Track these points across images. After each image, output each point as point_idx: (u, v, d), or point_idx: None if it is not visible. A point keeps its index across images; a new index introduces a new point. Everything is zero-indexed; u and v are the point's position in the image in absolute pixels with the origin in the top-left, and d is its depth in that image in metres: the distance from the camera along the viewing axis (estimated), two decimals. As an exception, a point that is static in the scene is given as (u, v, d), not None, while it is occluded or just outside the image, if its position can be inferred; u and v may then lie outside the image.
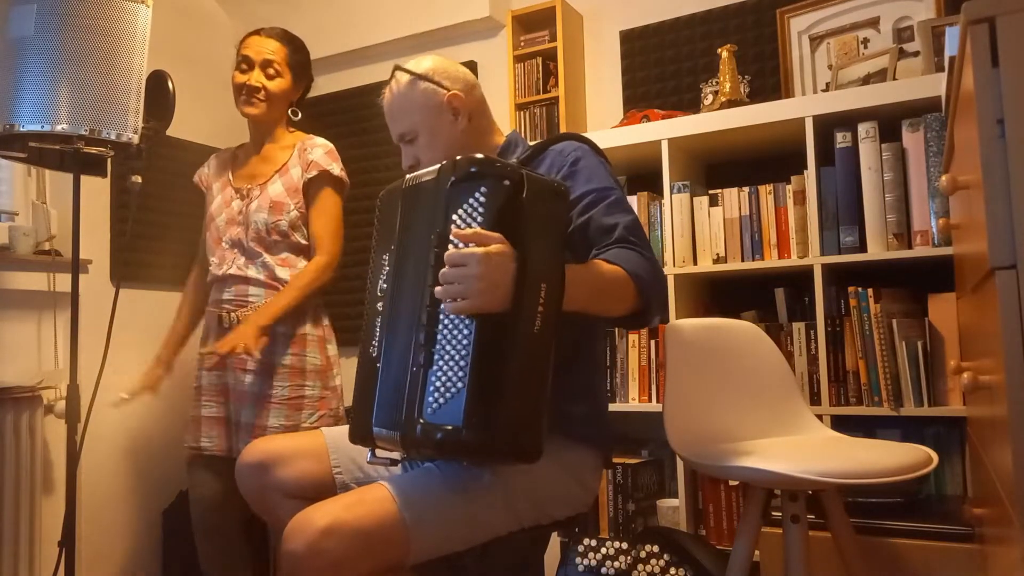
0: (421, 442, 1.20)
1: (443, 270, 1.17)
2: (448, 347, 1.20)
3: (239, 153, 2.38)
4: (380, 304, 1.39)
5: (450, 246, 1.20)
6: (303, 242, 2.25)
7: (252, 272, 2.21)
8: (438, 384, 1.19)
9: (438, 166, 1.31)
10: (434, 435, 1.18)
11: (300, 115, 2.34)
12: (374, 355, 1.37)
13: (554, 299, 1.22)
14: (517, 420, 1.19)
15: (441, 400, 1.18)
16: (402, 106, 1.60)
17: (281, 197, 2.21)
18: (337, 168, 2.25)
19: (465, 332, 1.19)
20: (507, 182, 1.21)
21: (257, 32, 2.28)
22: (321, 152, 2.25)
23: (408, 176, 1.41)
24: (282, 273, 2.21)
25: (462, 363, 1.18)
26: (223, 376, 2.23)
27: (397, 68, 1.61)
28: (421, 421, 1.19)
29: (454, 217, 1.23)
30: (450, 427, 1.16)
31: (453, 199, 1.24)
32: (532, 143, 1.60)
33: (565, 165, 1.46)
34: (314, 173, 2.22)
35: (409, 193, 1.39)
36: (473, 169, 1.23)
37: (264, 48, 2.24)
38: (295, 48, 2.30)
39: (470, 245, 1.18)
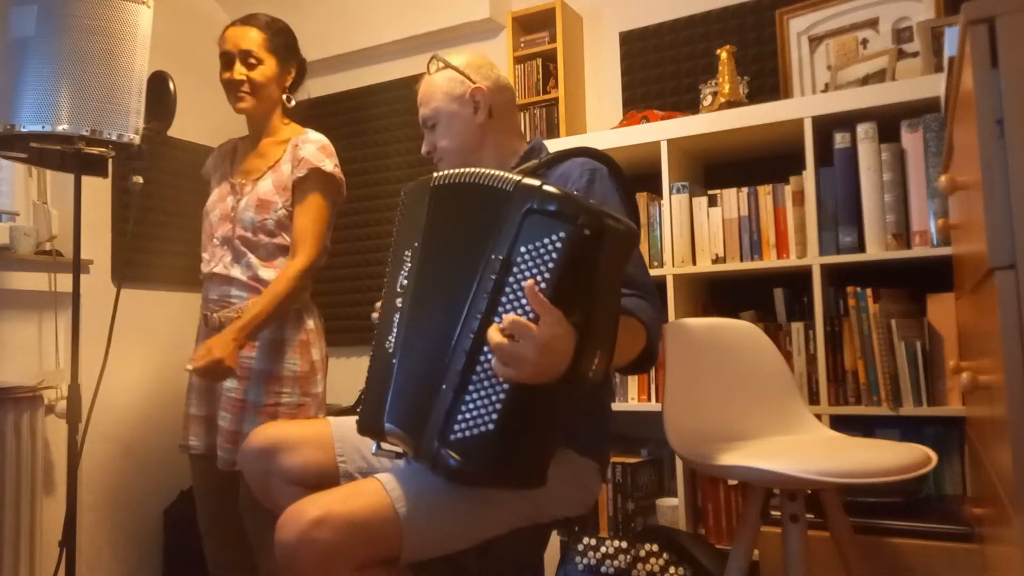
0: (434, 461, 1.20)
1: (500, 341, 1.11)
2: (486, 382, 1.16)
3: (240, 145, 2.31)
4: (399, 300, 1.37)
5: (506, 287, 1.15)
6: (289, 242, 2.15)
7: (236, 272, 2.13)
8: (467, 416, 1.17)
9: (514, 178, 1.21)
10: (448, 460, 1.18)
11: (294, 102, 2.24)
12: (390, 351, 1.36)
13: (603, 366, 1.20)
14: (532, 460, 1.20)
15: (467, 432, 1.17)
16: (429, 91, 1.65)
17: (269, 195, 2.12)
18: (330, 164, 2.13)
19: None
20: (588, 231, 1.11)
21: (233, 23, 2.19)
22: (313, 148, 2.13)
23: (436, 174, 1.37)
24: (265, 274, 2.12)
25: (497, 405, 1.15)
26: None
27: (435, 56, 1.67)
28: (442, 446, 1.19)
29: (522, 249, 1.15)
30: (466, 460, 1.17)
31: (526, 229, 1.15)
32: (552, 152, 1.58)
33: (583, 179, 1.45)
34: (303, 172, 2.10)
35: (445, 192, 1.35)
36: (553, 207, 1.13)
37: (240, 39, 2.14)
38: (274, 32, 2.19)
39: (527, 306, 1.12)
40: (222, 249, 2.17)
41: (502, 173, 1.24)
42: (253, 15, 2.20)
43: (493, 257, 1.18)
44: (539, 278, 1.13)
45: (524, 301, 1.13)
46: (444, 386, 1.21)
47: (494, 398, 1.16)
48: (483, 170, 1.28)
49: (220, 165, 2.30)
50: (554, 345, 1.10)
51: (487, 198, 1.24)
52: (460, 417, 1.18)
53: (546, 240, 1.13)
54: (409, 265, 1.37)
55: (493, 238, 1.19)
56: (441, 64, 1.65)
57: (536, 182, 1.18)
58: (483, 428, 1.15)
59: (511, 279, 1.15)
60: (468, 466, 1.16)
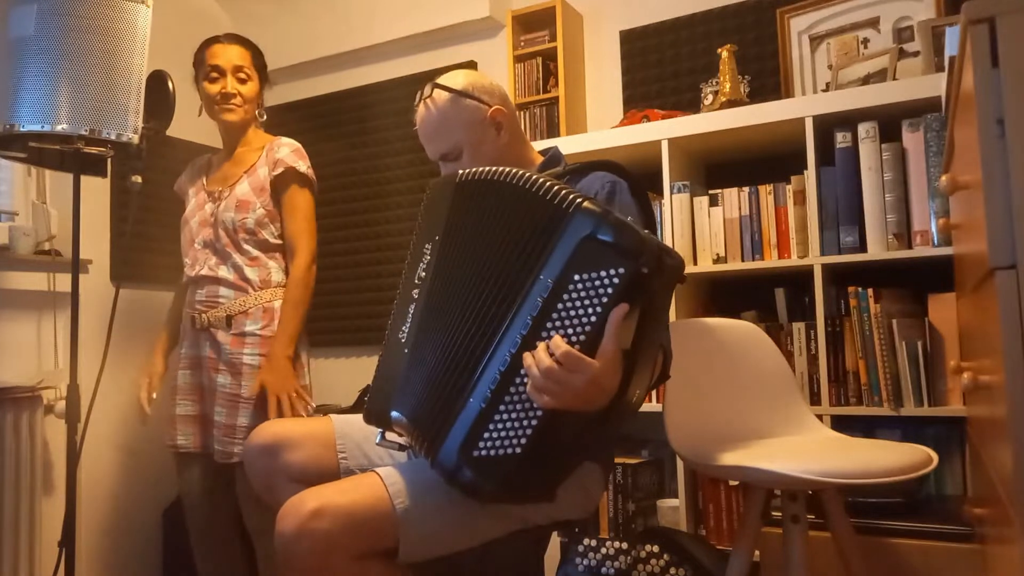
0: (452, 474, 1.20)
1: (549, 364, 1.08)
2: (519, 404, 1.15)
3: (214, 159, 2.43)
4: (416, 292, 1.37)
5: (554, 313, 1.13)
6: (271, 240, 2.26)
7: (223, 272, 2.24)
8: (495, 434, 1.16)
9: (574, 197, 1.17)
10: (466, 475, 1.18)
11: (265, 116, 2.39)
12: (402, 340, 1.36)
13: (640, 400, 1.20)
14: (551, 482, 1.20)
15: (492, 451, 1.15)
16: (444, 124, 1.56)
17: (247, 196, 2.24)
18: (303, 165, 2.28)
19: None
20: (645, 270, 1.09)
21: (216, 40, 2.32)
22: (287, 151, 2.28)
23: (462, 171, 1.38)
24: (251, 273, 2.23)
25: (528, 429, 1.14)
26: (198, 375, 2.25)
27: (435, 86, 1.58)
28: (464, 461, 1.17)
29: (575, 277, 1.12)
30: (485, 479, 1.16)
31: (581, 255, 1.12)
32: (572, 162, 1.57)
33: (604, 191, 1.45)
34: (280, 170, 2.24)
35: (471, 188, 1.35)
36: (613, 239, 1.11)
37: (232, 55, 2.29)
38: (256, 53, 2.36)
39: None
40: (204, 252, 2.28)
41: (549, 181, 1.22)
42: (232, 35, 2.35)
43: (542, 278, 1.15)
44: (591, 311, 1.10)
45: (570, 330, 1.11)
46: (472, 398, 1.19)
47: (525, 421, 1.14)
48: (517, 170, 1.27)
49: (195, 179, 2.42)
50: (603, 380, 1.09)
51: (528, 204, 1.22)
52: (487, 435, 1.16)
53: (603, 273, 1.10)
54: (428, 258, 1.37)
55: (538, 253, 1.17)
56: (446, 93, 1.56)
57: (598, 208, 1.15)
58: (510, 450, 1.14)
59: (560, 305, 1.12)
60: (487, 485, 1.16)
